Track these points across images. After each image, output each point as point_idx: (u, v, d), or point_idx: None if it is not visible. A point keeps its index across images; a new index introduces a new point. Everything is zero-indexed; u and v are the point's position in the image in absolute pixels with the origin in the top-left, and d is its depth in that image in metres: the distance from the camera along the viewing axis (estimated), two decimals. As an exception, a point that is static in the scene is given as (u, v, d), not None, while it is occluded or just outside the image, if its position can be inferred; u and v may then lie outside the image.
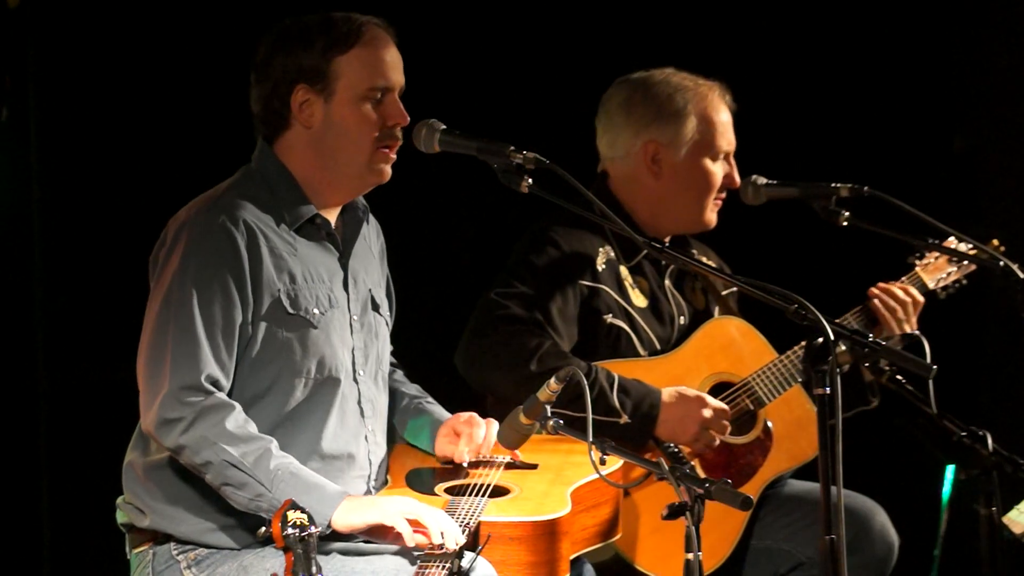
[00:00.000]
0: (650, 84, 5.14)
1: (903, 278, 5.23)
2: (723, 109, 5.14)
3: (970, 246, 5.11)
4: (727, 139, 5.14)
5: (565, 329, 4.91)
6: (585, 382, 3.96)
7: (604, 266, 5.03)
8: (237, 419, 3.95)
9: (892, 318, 5.16)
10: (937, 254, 5.24)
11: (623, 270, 5.07)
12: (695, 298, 5.19)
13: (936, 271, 5.25)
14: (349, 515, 3.93)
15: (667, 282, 5.14)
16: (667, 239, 5.13)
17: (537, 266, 4.93)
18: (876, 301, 5.17)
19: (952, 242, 5.16)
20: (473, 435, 4.31)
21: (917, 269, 5.24)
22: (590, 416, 3.92)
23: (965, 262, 5.22)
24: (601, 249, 5.03)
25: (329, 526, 3.92)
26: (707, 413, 4.85)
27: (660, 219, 5.12)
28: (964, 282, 5.29)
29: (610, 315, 4.99)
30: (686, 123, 5.09)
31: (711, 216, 5.14)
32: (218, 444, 3.91)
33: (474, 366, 4.84)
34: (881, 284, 5.19)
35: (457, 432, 4.33)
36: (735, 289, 5.21)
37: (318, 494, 3.92)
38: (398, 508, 3.94)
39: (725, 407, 4.91)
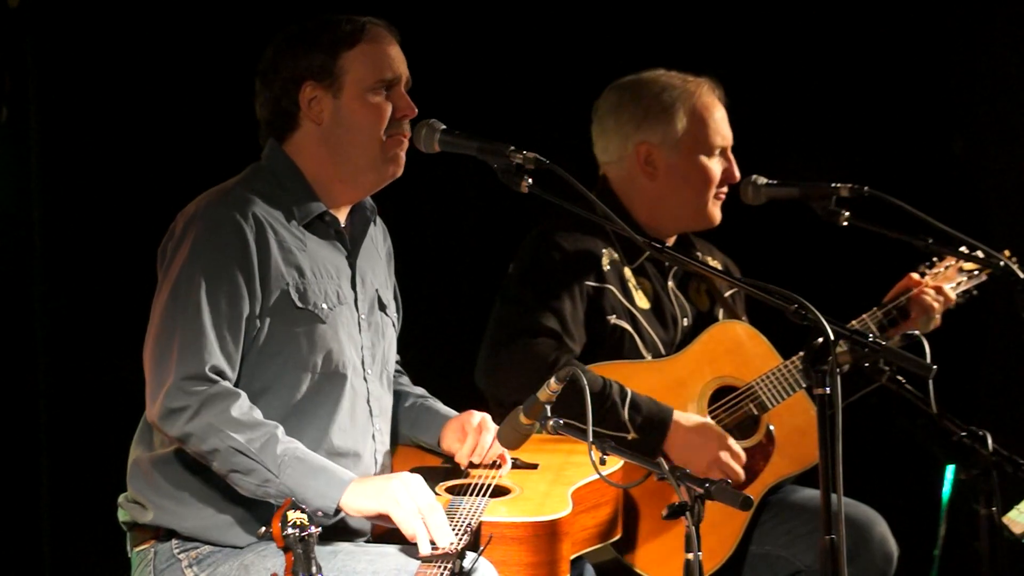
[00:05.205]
0: (638, 86, 5.12)
1: None
2: (714, 104, 5.11)
3: (971, 250, 5.11)
4: (720, 134, 5.12)
5: (576, 332, 4.90)
6: (584, 381, 3.95)
7: (609, 267, 5.02)
8: (242, 406, 3.95)
9: (933, 311, 5.14)
10: (947, 264, 5.23)
11: (627, 271, 5.06)
12: (699, 299, 5.18)
13: (945, 280, 5.24)
14: (358, 499, 3.91)
15: (670, 283, 5.13)
16: (671, 239, 5.13)
17: (544, 272, 4.92)
18: (922, 294, 5.15)
19: (961, 252, 5.16)
20: (480, 441, 4.31)
21: (927, 277, 5.23)
22: (590, 415, 3.91)
23: (975, 272, 5.23)
24: (604, 250, 5.02)
25: (338, 510, 3.91)
26: (725, 456, 4.83)
27: (660, 219, 5.11)
28: (975, 292, 5.28)
29: (614, 316, 4.98)
30: (675, 121, 5.07)
31: (714, 212, 5.13)
32: (224, 431, 3.91)
33: (496, 383, 4.83)
34: (918, 278, 5.19)
35: (466, 432, 4.33)
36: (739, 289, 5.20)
37: (325, 477, 3.91)
38: (412, 504, 3.90)
39: (743, 453, 4.89)
